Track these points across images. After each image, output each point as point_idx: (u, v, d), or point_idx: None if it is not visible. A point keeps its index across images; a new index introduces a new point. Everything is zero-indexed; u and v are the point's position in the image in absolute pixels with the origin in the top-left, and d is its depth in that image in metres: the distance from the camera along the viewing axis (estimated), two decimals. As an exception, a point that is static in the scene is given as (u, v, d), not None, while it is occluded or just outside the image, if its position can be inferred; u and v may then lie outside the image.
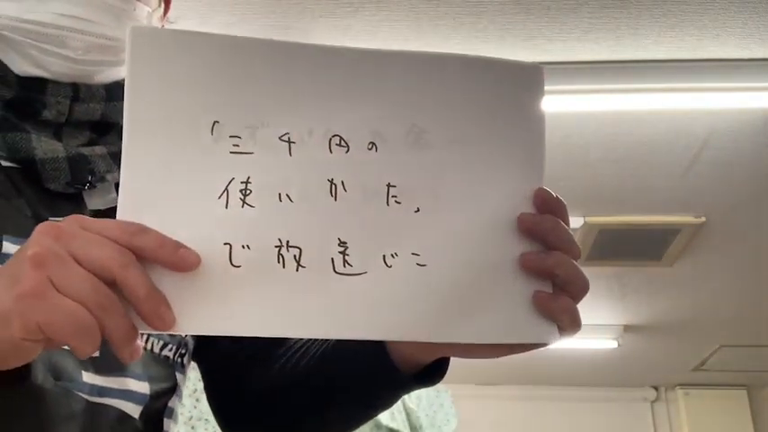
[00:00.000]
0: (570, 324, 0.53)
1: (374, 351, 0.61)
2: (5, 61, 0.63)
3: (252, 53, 0.53)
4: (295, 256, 0.50)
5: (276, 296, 0.49)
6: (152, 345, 0.67)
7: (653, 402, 4.88)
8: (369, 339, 0.59)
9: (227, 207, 0.50)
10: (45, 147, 0.62)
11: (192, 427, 2.38)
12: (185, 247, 0.48)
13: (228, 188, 0.50)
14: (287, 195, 0.51)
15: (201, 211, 0.50)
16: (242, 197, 0.50)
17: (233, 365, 0.75)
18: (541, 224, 0.53)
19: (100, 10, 0.63)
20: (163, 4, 0.74)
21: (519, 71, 0.56)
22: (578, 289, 0.53)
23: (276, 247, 0.50)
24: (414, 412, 2.87)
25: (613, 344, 4.08)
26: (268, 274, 0.49)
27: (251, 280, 0.49)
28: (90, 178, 0.63)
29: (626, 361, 4.41)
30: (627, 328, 4.00)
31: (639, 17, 1.98)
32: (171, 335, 0.68)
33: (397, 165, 0.53)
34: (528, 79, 0.56)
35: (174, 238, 0.48)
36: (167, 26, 0.76)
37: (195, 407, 2.22)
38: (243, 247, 0.49)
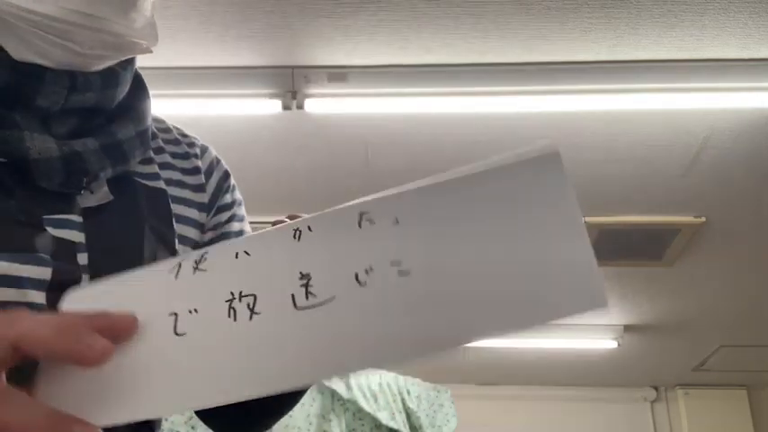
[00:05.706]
0: None
1: None
2: (3, 45, 0.61)
3: None
4: (248, 304, 0.44)
5: (227, 355, 0.43)
6: None
7: (653, 402, 4.88)
8: (345, 375, 0.55)
9: (176, 277, 0.47)
10: (39, 146, 0.60)
11: (192, 427, 2.38)
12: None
13: (182, 263, 0.47)
14: (245, 251, 0.47)
15: (151, 287, 0.47)
16: (195, 265, 0.47)
17: None
18: None
19: (106, 5, 0.62)
20: None
21: (533, 166, 0.44)
22: None
23: (227, 301, 0.45)
24: (414, 412, 2.87)
25: (613, 344, 4.09)
26: (217, 334, 0.44)
27: (198, 345, 0.44)
28: (84, 182, 0.62)
29: (626, 361, 4.41)
30: (627, 328, 4.00)
31: (639, 17, 1.98)
32: None
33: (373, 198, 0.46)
34: (545, 172, 0.44)
35: (125, 317, 0.44)
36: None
37: (195, 407, 2.22)
38: (190, 312, 0.45)
